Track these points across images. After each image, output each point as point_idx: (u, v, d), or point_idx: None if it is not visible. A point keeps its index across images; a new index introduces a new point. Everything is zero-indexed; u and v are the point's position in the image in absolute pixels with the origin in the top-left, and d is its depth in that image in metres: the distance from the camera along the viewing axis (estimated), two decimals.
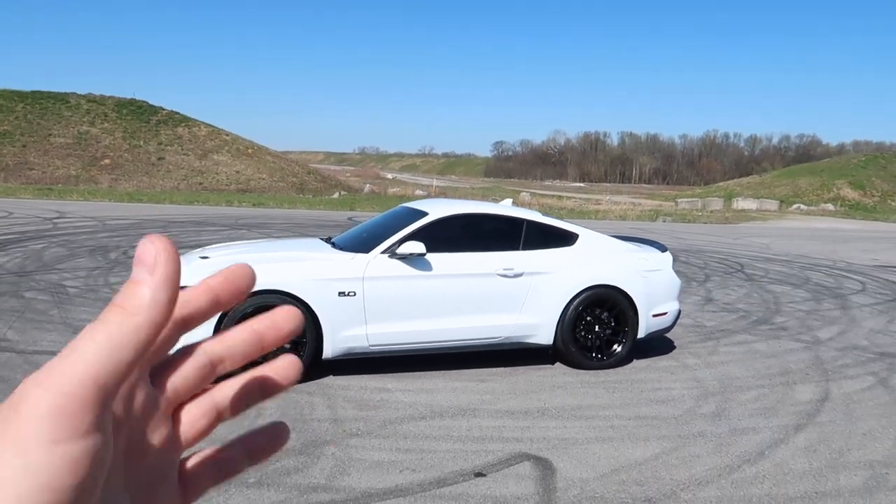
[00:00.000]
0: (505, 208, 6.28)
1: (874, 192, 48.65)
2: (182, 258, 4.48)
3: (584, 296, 5.84)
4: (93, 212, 19.25)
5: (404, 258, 5.41)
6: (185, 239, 14.03)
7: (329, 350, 5.21)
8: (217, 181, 39.75)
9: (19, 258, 10.61)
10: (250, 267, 0.34)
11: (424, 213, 5.73)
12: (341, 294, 5.20)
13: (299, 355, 5.04)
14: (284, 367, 0.36)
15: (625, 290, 5.95)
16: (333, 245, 5.90)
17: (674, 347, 6.81)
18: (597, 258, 6.03)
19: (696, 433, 4.51)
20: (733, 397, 5.30)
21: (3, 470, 0.26)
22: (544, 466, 3.90)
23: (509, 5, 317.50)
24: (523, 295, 5.72)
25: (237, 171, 41.59)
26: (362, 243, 5.67)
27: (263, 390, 0.36)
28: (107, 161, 39.89)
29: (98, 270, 9.81)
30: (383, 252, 5.42)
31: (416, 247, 5.34)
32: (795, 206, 43.51)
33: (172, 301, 0.30)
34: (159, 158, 40.94)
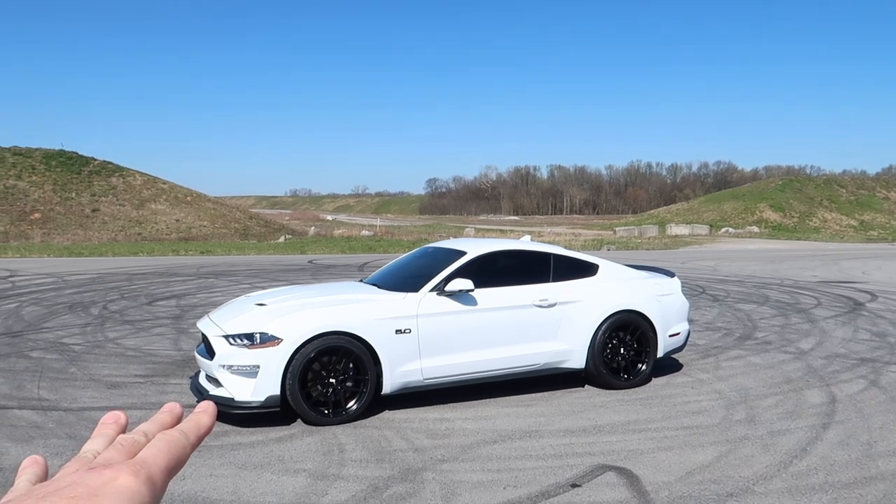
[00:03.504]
0: (532, 244, 6.76)
1: (793, 213, 52.00)
2: (239, 305, 4.79)
3: (610, 321, 6.35)
4: (44, 268, 18.65)
5: (452, 295, 5.78)
6: (156, 291, 13.86)
7: (388, 386, 5.49)
8: (157, 231, 38.80)
9: None
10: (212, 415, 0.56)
11: (463, 253, 6.14)
12: (398, 332, 5.52)
13: (361, 393, 5.33)
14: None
15: (645, 313, 6.49)
16: (377, 286, 6.21)
17: (682, 365, 7.38)
18: (617, 286, 6.56)
19: (740, 437, 5.02)
20: (756, 405, 5.86)
21: None
22: (627, 475, 4.31)
23: (435, 44, 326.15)
24: (557, 323, 6.18)
25: (177, 220, 40.69)
26: (407, 283, 6.01)
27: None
28: (37, 215, 38.39)
29: (90, 326, 9.68)
30: (432, 290, 5.77)
31: (465, 283, 5.73)
32: (724, 229, 45.95)
33: (201, 440, 0.55)
34: (94, 210, 39.65)
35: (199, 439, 0.54)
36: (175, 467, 0.51)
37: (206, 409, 0.57)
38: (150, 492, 0.47)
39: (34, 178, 41.37)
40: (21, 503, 0.43)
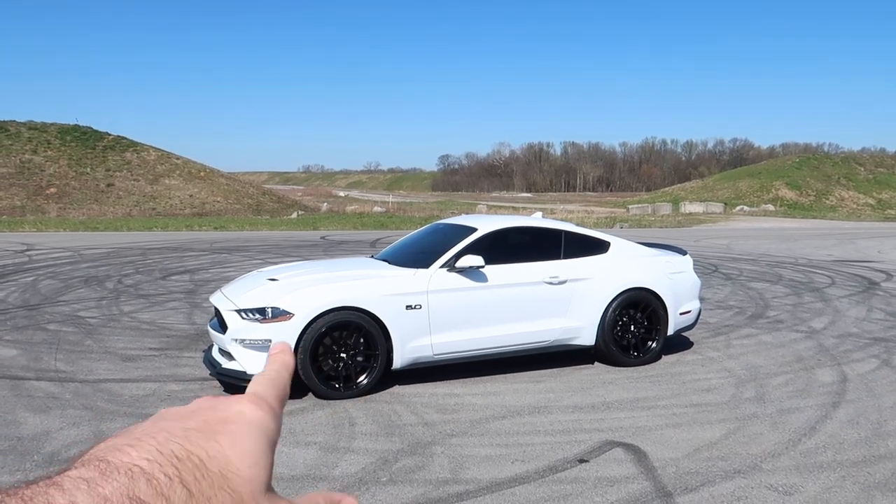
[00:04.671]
0: (543, 220, 6.74)
1: (810, 191, 51.38)
2: (251, 280, 4.83)
3: (620, 298, 6.34)
4: (60, 242, 18.85)
5: (462, 271, 5.79)
6: (170, 265, 13.98)
7: (398, 361, 5.54)
8: (170, 206, 39.00)
9: (16, 292, 10.48)
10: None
11: (474, 229, 6.13)
12: (408, 307, 5.55)
13: (372, 368, 5.38)
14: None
15: (656, 291, 6.48)
16: (387, 262, 6.23)
17: (692, 343, 7.37)
18: (628, 263, 6.54)
19: (749, 415, 5.03)
20: (766, 383, 5.86)
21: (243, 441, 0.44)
22: (634, 451, 4.33)
23: (447, 19, 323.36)
24: (567, 300, 6.18)
25: (190, 195, 40.86)
26: (418, 259, 6.02)
27: None
28: (52, 190, 38.69)
29: (105, 300, 9.80)
30: (442, 266, 5.79)
31: (475, 260, 5.73)
32: (739, 207, 45.53)
33: (292, 375, 0.54)
34: (108, 185, 39.88)
35: (291, 374, 0.55)
36: (283, 398, 0.51)
37: (284, 349, 0.57)
38: (273, 419, 0.48)
39: (49, 152, 41.62)
40: (163, 419, 0.44)
